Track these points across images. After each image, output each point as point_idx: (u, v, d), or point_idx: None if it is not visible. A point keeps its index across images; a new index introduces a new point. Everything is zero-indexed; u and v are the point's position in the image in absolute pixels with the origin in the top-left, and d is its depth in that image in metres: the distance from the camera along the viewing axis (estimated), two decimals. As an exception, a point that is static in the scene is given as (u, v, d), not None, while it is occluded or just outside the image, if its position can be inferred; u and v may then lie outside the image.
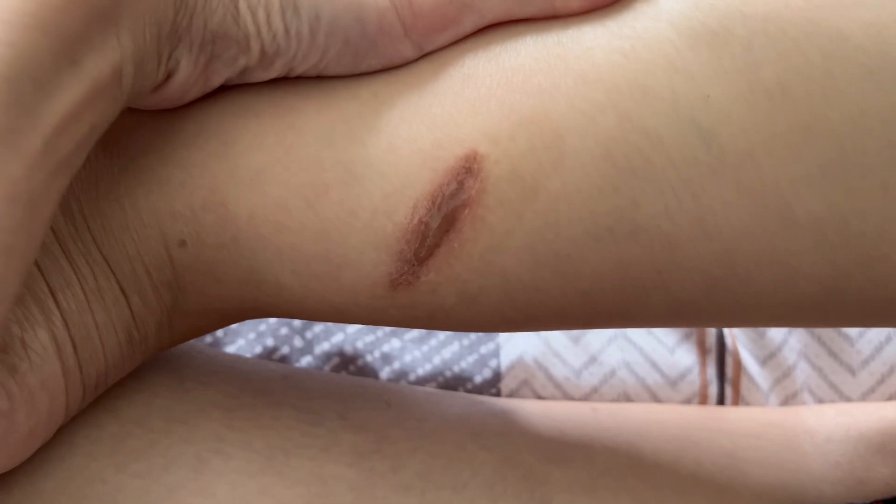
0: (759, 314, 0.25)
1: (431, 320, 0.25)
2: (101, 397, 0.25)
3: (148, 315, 0.25)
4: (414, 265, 0.23)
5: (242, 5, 0.22)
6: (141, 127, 0.24)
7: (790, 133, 0.22)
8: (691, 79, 0.22)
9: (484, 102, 0.23)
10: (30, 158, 0.18)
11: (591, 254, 0.23)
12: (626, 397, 0.36)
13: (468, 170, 0.22)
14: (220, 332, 0.36)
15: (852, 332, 0.37)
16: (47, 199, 0.19)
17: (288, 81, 0.24)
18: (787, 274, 0.23)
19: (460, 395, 0.31)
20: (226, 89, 0.24)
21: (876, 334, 0.37)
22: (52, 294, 0.23)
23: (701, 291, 0.24)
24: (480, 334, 0.37)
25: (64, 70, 0.19)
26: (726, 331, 0.37)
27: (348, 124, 0.23)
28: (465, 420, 0.28)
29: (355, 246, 0.23)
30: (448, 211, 0.23)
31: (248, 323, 0.36)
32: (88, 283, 0.23)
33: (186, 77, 0.23)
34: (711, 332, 0.37)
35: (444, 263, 0.23)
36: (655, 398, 0.36)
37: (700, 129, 0.22)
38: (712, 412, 0.34)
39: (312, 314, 0.25)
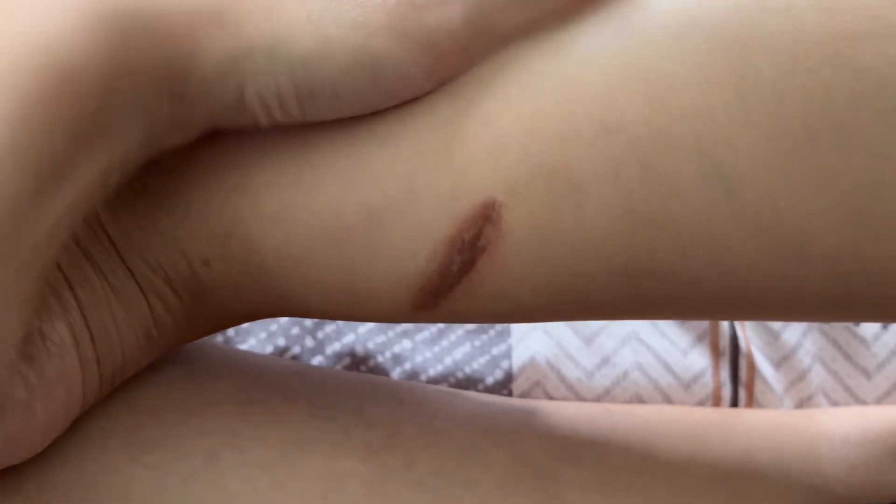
0: (765, 318, 0.25)
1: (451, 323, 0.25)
2: (115, 389, 0.25)
3: (167, 315, 0.25)
4: (435, 297, 0.24)
5: (250, 93, 0.21)
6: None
7: (811, 172, 0.21)
8: (716, 126, 0.21)
9: (502, 149, 0.22)
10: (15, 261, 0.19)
11: (606, 289, 0.23)
12: (639, 399, 0.36)
13: (487, 217, 0.22)
14: (231, 332, 0.36)
15: (868, 335, 0.37)
16: (33, 265, 0.20)
17: None
18: (799, 295, 0.23)
19: (472, 394, 0.30)
20: None
21: (892, 337, 0.36)
22: (71, 288, 0.23)
23: (711, 309, 0.24)
24: (492, 335, 0.37)
25: (45, 193, 0.19)
26: (740, 333, 0.37)
27: (367, 166, 0.23)
28: (477, 418, 0.28)
29: (378, 281, 0.23)
30: (467, 256, 0.23)
31: (260, 322, 0.36)
32: (108, 281, 0.24)
33: (188, 140, 0.23)
34: (725, 335, 0.37)
35: (463, 294, 0.24)
36: (668, 400, 0.36)
37: (722, 175, 0.22)
38: (727, 414, 0.33)
39: (340, 320, 0.26)
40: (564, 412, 0.31)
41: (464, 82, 0.23)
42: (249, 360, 0.29)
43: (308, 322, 0.36)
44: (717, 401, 0.36)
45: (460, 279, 0.23)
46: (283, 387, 0.27)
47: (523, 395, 0.36)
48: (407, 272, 0.23)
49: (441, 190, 0.23)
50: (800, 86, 0.21)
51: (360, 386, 0.29)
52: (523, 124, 0.22)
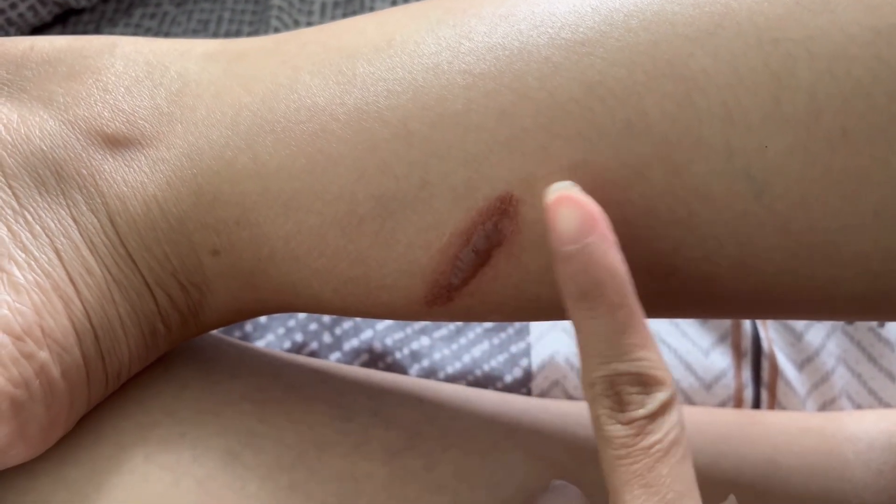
0: (789, 317, 0.25)
1: (467, 321, 0.24)
2: (128, 387, 0.25)
3: (174, 310, 0.24)
4: (449, 290, 0.23)
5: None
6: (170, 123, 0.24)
7: (846, 180, 0.20)
8: (748, 129, 0.20)
9: (519, 143, 0.21)
10: None
11: None
12: (660, 400, 0.35)
13: (503, 212, 0.22)
14: (248, 328, 0.36)
15: (892, 337, 0.36)
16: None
17: None
18: (825, 296, 0.22)
19: (492, 393, 0.30)
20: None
21: (918, 340, 0.36)
22: (72, 282, 0.22)
23: (734, 309, 0.24)
24: (511, 333, 0.36)
25: None
26: (762, 334, 0.36)
27: (378, 154, 0.22)
28: (497, 418, 0.28)
29: (390, 272, 0.23)
30: (482, 248, 0.22)
31: (277, 318, 0.36)
32: (112, 273, 0.23)
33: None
34: (747, 335, 0.36)
35: (478, 290, 0.23)
36: (690, 401, 0.35)
37: (753, 181, 0.21)
38: (750, 416, 0.33)
39: (352, 316, 0.25)
40: (585, 411, 0.30)
41: (478, 70, 0.22)
42: (266, 357, 0.28)
43: (326, 318, 0.36)
44: (738, 402, 0.35)
45: (475, 273, 0.23)
46: (301, 386, 0.27)
47: (542, 394, 0.35)
48: (420, 264, 0.23)
49: (455, 182, 0.22)
50: (838, 89, 0.20)
51: (379, 385, 0.28)
52: (542, 120, 0.21)
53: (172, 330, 0.25)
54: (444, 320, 0.24)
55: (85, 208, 0.23)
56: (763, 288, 0.22)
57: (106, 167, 0.23)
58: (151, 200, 0.23)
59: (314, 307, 0.25)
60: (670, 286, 0.23)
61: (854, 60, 0.20)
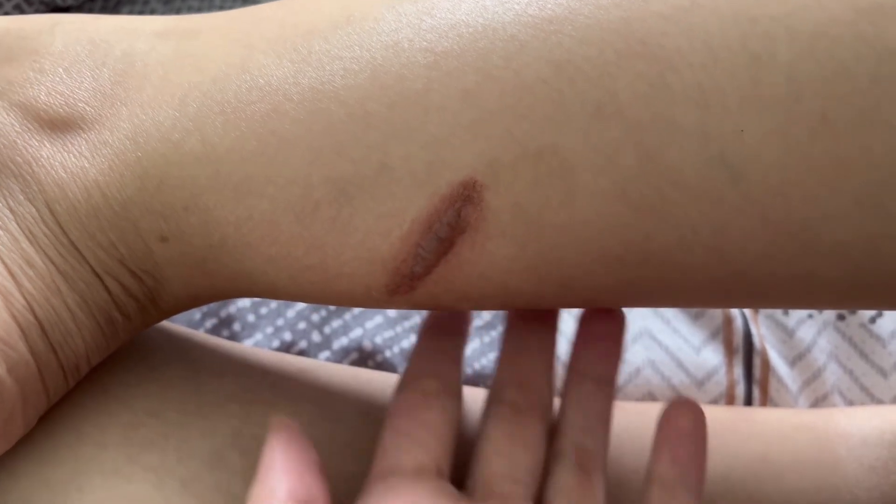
0: (767, 306, 0.24)
1: (431, 310, 0.24)
2: (111, 387, 0.24)
3: (129, 298, 0.23)
4: (411, 279, 0.22)
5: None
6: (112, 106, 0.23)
7: (827, 167, 0.20)
8: (725, 112, 0.19)
9: (484, 127, 0.20)
10: None
11: (598, 276, 0.22)
12: (651, 397, 0.35)
13: (467, 198, 0.21)
14: (237, 327, 0.36)
15: (884, 333, 0.36)
16: None
17: None
18: (805, 287, 0.22)
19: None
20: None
21: (910, 335, 0.36)
22: (12, 275, 0.22)
23: (711, 298, 0.23)
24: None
25: None
26: (754, 330, 0.36)
27: (334, 136, 0.21)
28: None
29: (349, 261, 0.22)
30: (445, 235, 0.21)
31: (266, 317, 0.36)
32: (56, 264, 0.22)
33: None
34: (739, 332, 0.36)
35: (442, 279, 0.22)
36: (681, 398, 0.35)
37: (729, 167, 0.20)
38: (742, 413, 0.33)
39: (313, 303, 0.24)
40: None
41: (440, 50, 0.21)
42: (254, 357, 0.28)
43: (315, 317, 0.36)
44: (730, 399, 0.35)
45: (437, 261, 0.22)
46: (288, 386, 0.26)
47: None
48: (380, 252, 0.22)
49: (416, 165, 0.21)
50: (818, 70, 0.19)
51: (367, 385, 0.28)
52: (508, 101, 0.20)
53: (131, 318, 0.24)
54: (408, 308, 0.23)
55: (22, 197, 0.22)
56: (739, 276, 0.21)
57: (43, 153, 0.22)
58: (93, 186, 0.22)
59: (272, 294, 0.24)
60: (643, 275, 0.22)
61: (836, 40, 0.19)
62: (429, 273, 0.22)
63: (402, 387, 0.25)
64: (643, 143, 0.20)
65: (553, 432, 0.26)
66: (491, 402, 0.26)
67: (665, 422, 0.25)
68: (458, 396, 0.26)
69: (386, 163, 0.21)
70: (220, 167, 0.22)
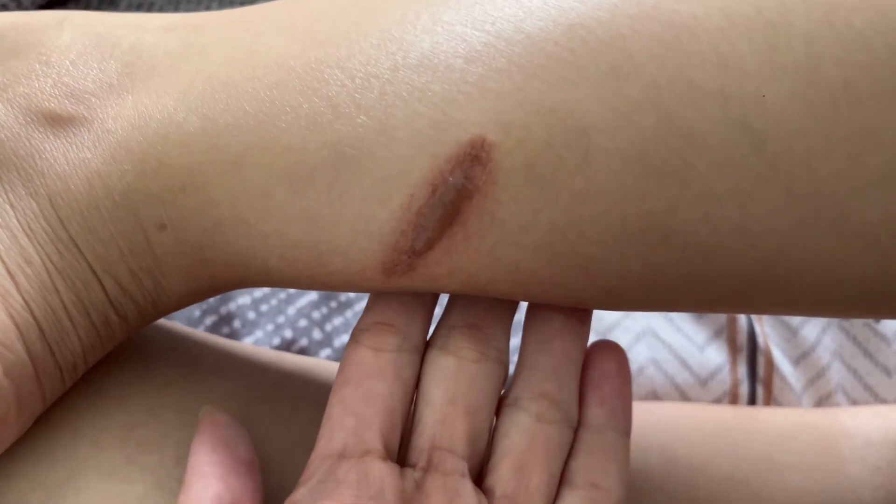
0: (792, 311, 0.23)
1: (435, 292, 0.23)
2: (108, 386, 0.24)
3: (127, 299, 0.23)
4: (410, 256, 0.21)
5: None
6: (117, 98, 0.23)
7: (852, 137, 0.19)
8: (744, 75, 0.19)
9: (493, 83, 0.20)
10: None
11: (618, 255, 0.21)
12: (655, 396, 0.35)
13: (475, 158, 0.20)
14: (237, 324, 0.35)
15: (888, 332, 0.36)
16: None
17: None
18: (831, 278, 0.21)
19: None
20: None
21: (914, 334, 0.36)
22: (10, 274, 0.21)
23: (735, 293, 0.22)
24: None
25: None
26: (758, 329, 0.36)
27: (333, 101, 0.21)
28: None
29: (344, 234, 0.21)
30: (450, 201, 0.20)
31: (267, 314, 0.36)
32: (53, 262, 0.22)
33: None
34: (742, 331, 0.36)
35: (446, 257, 0.21)
36: (685, 397, 0.35)
37: (751, 132, 0.19)
38: (746, 412, 0.32)
39: (307, 288, 0.24)
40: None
41: (444, 12, 0.21)
42: (253, 355, 0.28)
43: (316, 314, 0.36)
44: (734, 398, 0.35)
45: (441, 234, 0.21)
46: (288, 385, 0.26)
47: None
48: (377, 222, 0.21)
49: (420, 125, 0.20)
50: (837, 39, 0.19)
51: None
52: (518, 60, 0.20)
53: (129, 319, 0.24)
54: (406, 291, 0.22)
55: (23, 192, 0.22)
56: (767, 264, 0.21)
57: (47, 146, 0.22)
58: (94, 176, 0.22)
59: (265, 279, 0.23)
60: (666, 256, 0.21)
61: (854, 11, 0.19)
62: (431, 248, 0.21)
63: (354, 337, 0.24)
64: (662, 103, 0.20)
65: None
66: (431, 347, 0.24)
67: (589, 365, 0.25)
68: (419, 352, 0.24)
69: (387, 122, 0.20)
70: (218, 141, 0.21)
